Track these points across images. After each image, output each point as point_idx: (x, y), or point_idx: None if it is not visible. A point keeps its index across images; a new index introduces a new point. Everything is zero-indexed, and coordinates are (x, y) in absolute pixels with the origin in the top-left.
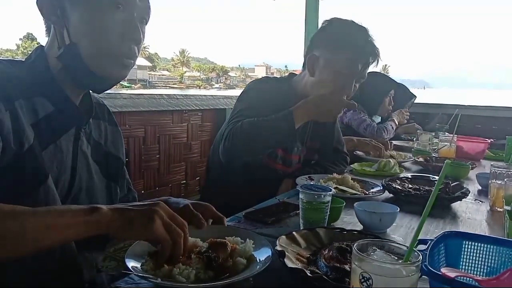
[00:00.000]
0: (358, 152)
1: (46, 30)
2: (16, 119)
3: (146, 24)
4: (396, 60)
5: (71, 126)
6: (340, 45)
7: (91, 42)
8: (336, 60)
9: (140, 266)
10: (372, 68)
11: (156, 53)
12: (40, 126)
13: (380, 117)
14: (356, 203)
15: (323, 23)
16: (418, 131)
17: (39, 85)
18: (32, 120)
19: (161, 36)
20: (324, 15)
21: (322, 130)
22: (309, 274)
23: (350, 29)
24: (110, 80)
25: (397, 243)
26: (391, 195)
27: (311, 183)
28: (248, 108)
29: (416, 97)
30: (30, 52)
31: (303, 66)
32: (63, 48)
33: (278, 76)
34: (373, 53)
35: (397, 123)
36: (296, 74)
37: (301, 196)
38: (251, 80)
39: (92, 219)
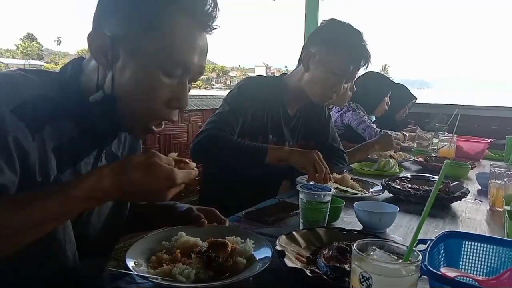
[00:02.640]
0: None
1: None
2: (44, 149)
3: (195, 82)
4: (396, 60)
5: (93, 149)
6: (336, 46)
7: (133, 101)
8: (330, 59)
9: (140, 266)
10: (363, 70)
11: None
12: (62, 150)
13: (374, 117)
14: (356, 203)
15: (322, 23)
16: (417, 131)
17: (69, 107)
18: (55, 143)
19: None
20: (324, 15)
21: (315, 128)
22: (309, 274)
23: (347, 32)
24: (135, 135)
25: (397, 243)
26: (390, 195)
27: (311, 183)
28: (232, 106)
29: (416, 98)
30: (66, 63)
31: (298, 61)
32: (102, 96)
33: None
34: (365, 57)
35: (406, 137)
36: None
37: (301, 196)
38: (244, 77)
39: (92, 204)
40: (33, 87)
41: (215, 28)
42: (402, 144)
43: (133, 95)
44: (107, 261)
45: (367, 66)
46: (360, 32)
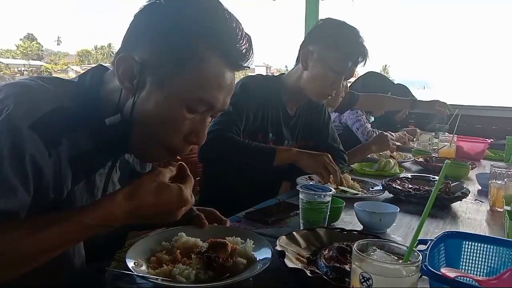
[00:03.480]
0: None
1: (113, 67)
2: (59, 165)
3: (214, 117)
4: (396, 60)
5: (107, 161)
6: (333, 43)
7: (151, 130)
8: (328, 56)
9: (140, 266)
10: (361, 67)
11: None
12: (78, 162)
13: (373, 117)
14: (356, 203)
15: (318, 22)
16: (418, 131)
17: (86, 118)
18: (71, 154)
19: None
20: (324, 15)
21: (315, 128)
22: (309, 274)
23: (343, 29)
24: (143, 162)
25: (397, 243)
26: (391, 195)
27: (311, 183)
28: (235, 106)
29: (417, 99)
30: (86, 71)
31: (296, 60)
32: (118, 120)
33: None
34: (363, 53)
35: (394, 137)
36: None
37: (301, 196)
38: (244, 77)
39: (100, 230)
40: (51, 99)
41: (246, 68)
42: (397, 143)
43: (153, 125)
44: (108, 262)
45: (365, 62)
46: (356, 29)
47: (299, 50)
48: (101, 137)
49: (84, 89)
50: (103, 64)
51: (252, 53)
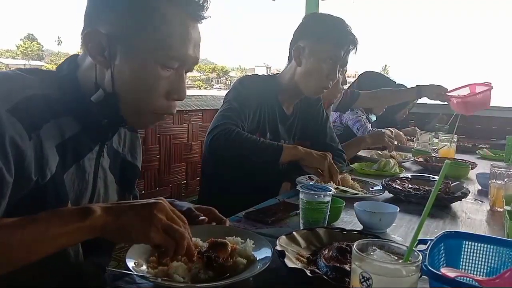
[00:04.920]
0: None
1: (82, 44)
2: (40, 147)
3: (191, 71)
4: (396, 60)
5: (95, 144)
6: (323, 35)
7: (134, 97)
8: (320, 48)
9: (140, 266)
10: (352, 55)
11: None
12: (65, 147)
13: (375, 116)
14: (356, 203)
15: (303, 18)
16: (418, 131)
17: (68, 104)
18: (58, 140)
19: None
20: None
21: (312, 128)
22: (309, 274)
23: (329, 20)
24: (141, 128)
25: (397, 243)
26: (391, 195)
27: (311, 183)
28: (238, 101)
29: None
30: (62, 61)
31: (288, 59)
32: (103, 95)
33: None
34: (353, 41)
35: (393, 134)
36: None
37: (301, 196)
38: (241, 76)
39: (85, 225)
40: (30, 86)
41: (207, 18)
42: (395, 142)
43: (134, 91)
44: (107, 261)
45: (356, 50)
46: (341, 19)
47: (290, 48)
48: (87, 120)
49: (63, 76)
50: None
51: (209, 1)
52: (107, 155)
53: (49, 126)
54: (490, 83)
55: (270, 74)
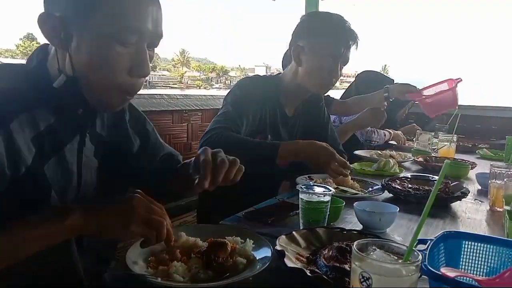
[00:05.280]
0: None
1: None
2: (11, 142)
3: (155, 47)
4: (396, 60)
5: (74, 135)
6: (322, 32)
7: (95, 77)
8: (320, 46)
9: (140, 266)
10: (353, 53)
11: (156, 53)
12: (42, 139)
13: None
14: (355, 202)
15: (301, 18)
16: (417, 131)
17: (40, 95)
18: (33, 133)
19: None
20: None
21: (314, 130)
22: (308, 274)
23: (327, 18)
24: (109, 110)
25: (397, 243)
26: (390, 195)
27: (311, 183)
28: (235, 106)
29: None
30: (32, 52)
31: (288, 60)
32: (64, 80)
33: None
34: (353, 37)
35: (391, 135)
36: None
37: (301, 196)
38: (239, 79)
39: (65, 225)
40: (2, 82)
41: None
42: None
43: (94, 70)
44: (107, 261)
45: (357, 45)
46: (340, 15)
47: (289, 49)
48: (61, 110)
49: (32, 68)
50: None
51: None
52: (90, 142)
53: (21, 120)
54: (460, 79)
55: (272, 74)
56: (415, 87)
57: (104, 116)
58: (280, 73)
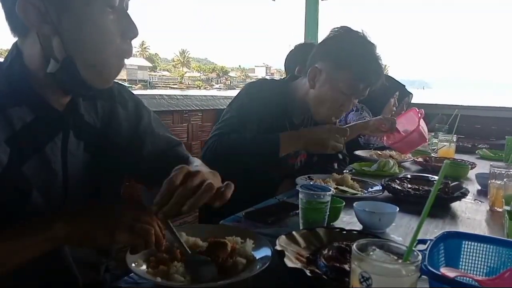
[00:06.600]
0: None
1: (14, 32)
2: None
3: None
4: (396, 60)
5: (56, 132)
6: (344, 63)
7: (93, 48)
8: (338, 78)
9: (140, 266)
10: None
11: (156, 53)
12: (17, 139)
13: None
14: (355, 203)
15: (331, 32)
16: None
17: (17, 93)
18: (8, 134)
19: (162, 37)
20: (324, 15)
21: None
22: (308, 274)
23: (357, 46)
24: (106, 86)
25: (397, 243)
26: (390, 195)
27: (311, 183)
28: (239, 114)
29: (412, 94)
30: (7, 53)
31: (303, 72)
32: (59, 64)
33: (276, 78)
34: (376, 73)
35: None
36: (299, 76)
37: (301, 196)
38: (247, 83)
39: (46, 237)
40: None
41: None
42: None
43: (89, 45)
44: (107, 261)
45: (380, 82)
46: (372, 44)
47: (307, 63)
48: (40, 107)
49: (6, 66)
50: None
51: None
52: (76, 138)
53: None
54: (422, 112)
55: (282, 79)
56: (411, 93)
57: (97, 106)
58: (297, 77)
